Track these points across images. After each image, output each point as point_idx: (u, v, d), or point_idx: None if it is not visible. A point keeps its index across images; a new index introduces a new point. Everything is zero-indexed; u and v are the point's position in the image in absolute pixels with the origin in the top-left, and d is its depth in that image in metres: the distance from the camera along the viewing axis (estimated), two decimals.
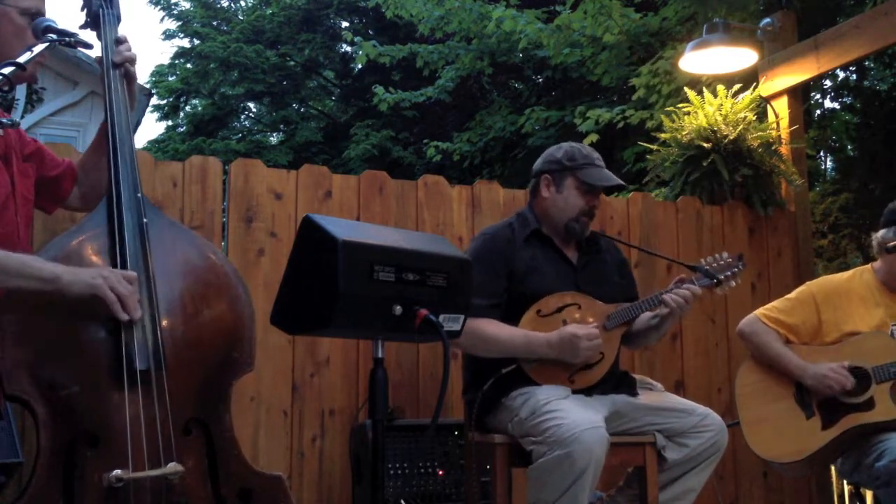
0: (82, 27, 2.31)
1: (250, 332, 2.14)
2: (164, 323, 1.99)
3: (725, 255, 2.75)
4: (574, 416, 2.41)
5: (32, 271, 1.85)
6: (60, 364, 1.89)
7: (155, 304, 1.98)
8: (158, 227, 2.11)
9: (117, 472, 1.84)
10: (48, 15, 2.10)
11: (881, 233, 2.95)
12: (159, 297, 1.99)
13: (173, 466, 1.89)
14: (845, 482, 3.79)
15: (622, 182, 2.79)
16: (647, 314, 2.73)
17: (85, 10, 2.31)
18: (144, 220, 2.06)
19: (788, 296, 3.07)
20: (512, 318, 2.64)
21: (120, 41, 2.25)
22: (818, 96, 7.48)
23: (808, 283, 3.10)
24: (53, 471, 1.84)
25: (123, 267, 1.97)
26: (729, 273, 2.71)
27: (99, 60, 2.25)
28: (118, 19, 2.28)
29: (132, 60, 2.25)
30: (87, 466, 1.86)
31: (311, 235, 1.76)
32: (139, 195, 2.09)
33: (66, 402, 1.87)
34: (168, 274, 2.05)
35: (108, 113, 2.16)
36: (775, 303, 3.06)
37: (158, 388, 1.92)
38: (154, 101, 12.90)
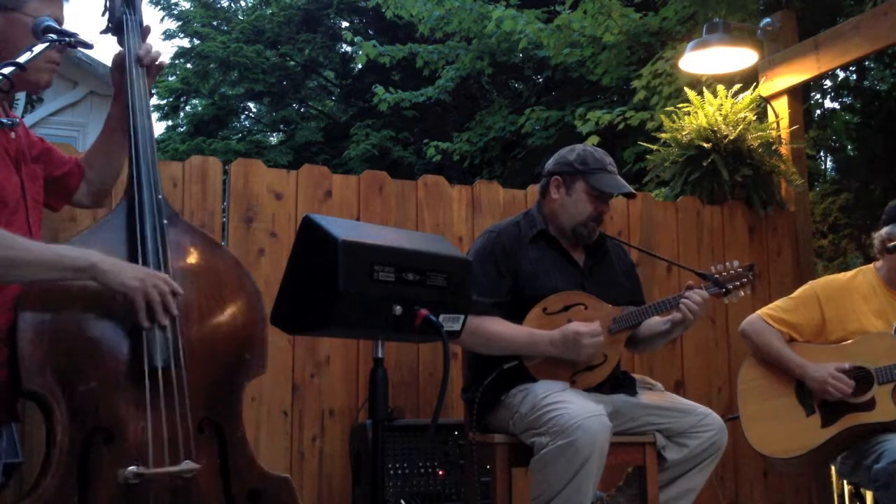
0: (103, 32, 2.32)
1: (262, 334, 2.17)
2: (182, 323, 2.00)
3: (736, 263, 2.73)
4: (575, 406, 2.41)
5: (68, 262, 1.87)
6: (79, 360, 1.90)
7: (177, 303, 2.00)
8: (177, 229, 2.15)
9: (134, 468, 1.85)
10: (67, 21, 2.11)
11: (883, 231, 2.95)
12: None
13: (189, 464, 1.90)
14: (845, 482, 3.79)
15: (633, 190, 2.77)
16: (658, 319, 2.73)
17: (107, 16, 2.31)
18: (165, 221, 2.09)
19: (791, 295, 3.07)
20: (516, 319, 2.64)
21: (146, 48, 2.26)
22: (818, 96, 7.49)
23: (810, 282, 3.10)
24: (69, 467, 1.85)
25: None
26: (738, 283, 2.69)
27: (118, 67, 2.25)
28: (141, 25, 2.29)
29: (157, 59, 2.27)
30: (103, 463, 1.87)
31: (311, 235, 1.76)
32: (160, 197, 2.12)
33: (84, 398, 1.89)
34: (185, 275, 2.08)
35: (130, 116, 2.17)
36: (778, 302, 3.06)
37: (177, 386, 1.94)
38: (154, 101, 12.89)
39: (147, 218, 2.05)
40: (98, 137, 2.36)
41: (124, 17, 2.27)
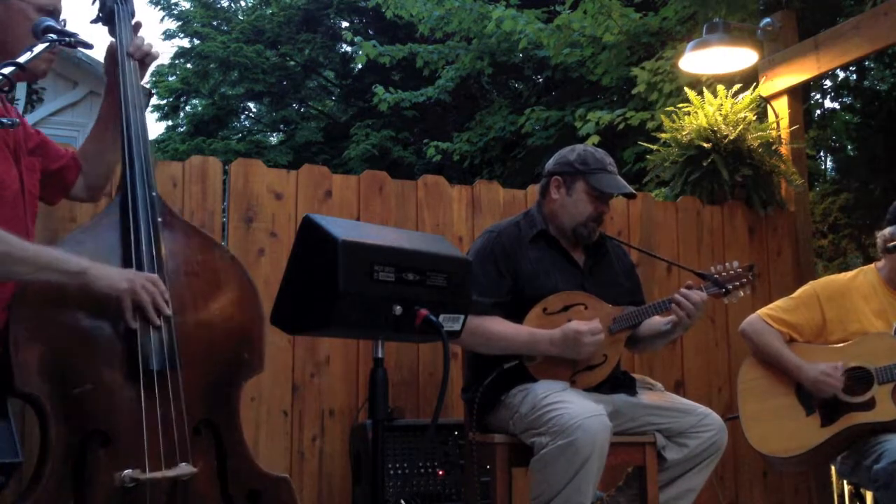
0: (93, 22, 2.29)
1: (260, 334, 2.16)
2: (177, 323, 1.99)
3: (735, 263, 2.73)
4: (575, 406, 2.41)
5: (62, 265, 1.86)
6: (75, 361, 1.89)
7: (168, 305, 1.99)
8: (173, 226, 2.13)
9: (131, 472, 1.85)
10: (64, 13, 2.10)
11: (886, 231, 2.94)
12: (173, 296, 2.00)
13: (186, 467, 1.90)
14: (845, 482, 3.79)
15: (633, 190, 2.77)
16: (659, 320, 2.72)
17: (98, 5, 2.29)
18: (159, 219, 2.07)
19: (792, 295, 3.07)
20: (516, 319, 2.63)
21: (137, 43, 2.25)
22: (818, 96, 7.49)
23: (811, 282, 3.10)
24: (64, 470, 1.84)
25: (139, 267, 1.98)
26: (738, 283, 2.69)
27: (110, 58, 2.24)
28: (132, 15, 2.27)
29: (150, 54, 2.26)
30: (98, 466, 1.86)
31: (311, 235, 1.76)
32: (154, 194, 2.10)
33: (79, 401, 1.88)
34: (181, 274, 2.07)
35: (123, 110, 2.15)
36: (778, 302, 3.06)
37: (173, 389, 1.93)
38: (154, 101, 12.88)
39: (141, 216, 2.04)
40: (91, 130, 2.34)
41: (115, 6, 2.26)
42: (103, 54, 2.29)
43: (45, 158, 2.21)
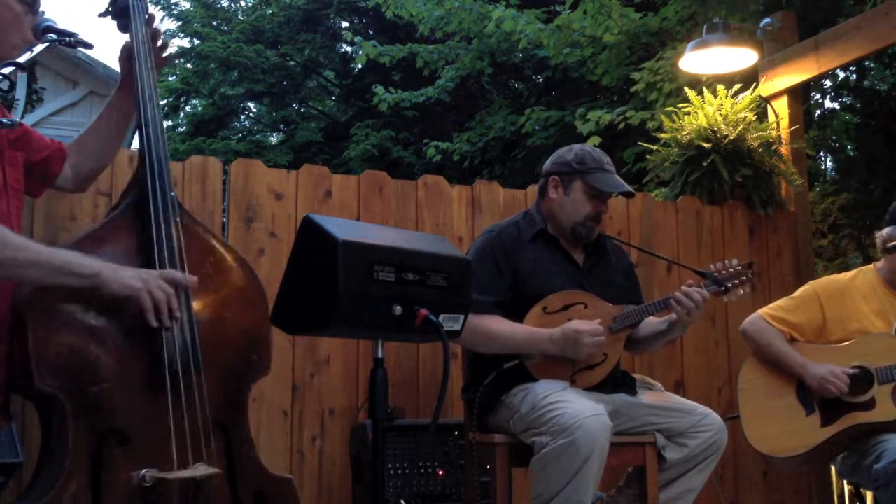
0: (101, 15, 2.26)
1: (268, 335, 2.15)
2: (198, 324, 1.99)
3: (735, 262, 2.73)
4: (576, 405, 2.41)
5: (76, 268, 1.84)
6: (94, 359, 1.88)
7: (190, 305, 1.98)
8: (189, 228, 2.11)
9: (154, 472, 1.83)
10: (63, 9, 2.08)
11: (885, 231, 2.95)
12: (193, 297, 1.99)
13: (206, 468, 1.89)
14: (845, 482, 3.79)
15: (631, 189, 2.77)
16: (656, 319, 2.72)
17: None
18: (177, 219, 2.06)
19: (792, 295, 3.07)
20: (516, 318, 2.64)
21: (155, 33, 2.24)
22: (818, 96, 7.48)
23: (811, 282, 3.10)
24: (81, 469, 1.83)
25: (161, 267, 1.96)
26: (737, 281, 2.69)
27: (126, 53, 2.21)
28: (145, 10, 2.24)
29: (168, 46, 2.25)
30: (116, 465, 1.85)
31: (311, 235, 1.76)
32: (173, 194, 2.08)
33: (97, 399, 1.86)
34: (200, 276, 2.05)
35: (140, 108, 2.13)
36: (779, 302, 3.06)
37: (198, 389, 1.93)
38: None
39: (161, 218, 2.01)
40: (96, 120, 2.29)
41: (131, 1, 2.21)
42: (106, 57, 2.27)
43: (28, 150, 2.15)
